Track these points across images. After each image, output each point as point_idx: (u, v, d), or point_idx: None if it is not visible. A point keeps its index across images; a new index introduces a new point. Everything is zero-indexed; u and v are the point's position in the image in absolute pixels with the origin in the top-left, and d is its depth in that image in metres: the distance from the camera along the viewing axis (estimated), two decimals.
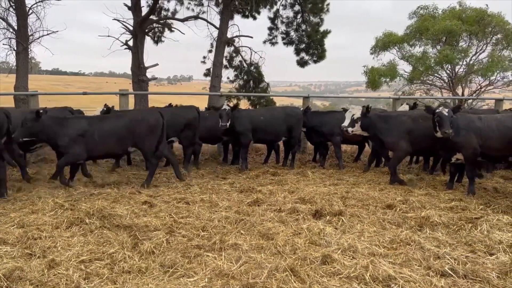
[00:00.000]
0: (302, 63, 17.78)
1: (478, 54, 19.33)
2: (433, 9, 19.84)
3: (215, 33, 15.82)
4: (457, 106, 7.10)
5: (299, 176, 8.28)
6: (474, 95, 19.71)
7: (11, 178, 7.99)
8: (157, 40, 17.43)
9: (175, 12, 17.04)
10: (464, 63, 19.29)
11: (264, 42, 17.68)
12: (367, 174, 8.59)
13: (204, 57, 17.59)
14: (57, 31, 14.12)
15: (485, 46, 19.24)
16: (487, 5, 18.46)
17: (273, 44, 17.75)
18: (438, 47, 19.20)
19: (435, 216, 5.28)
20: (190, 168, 8.83)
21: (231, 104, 9.61)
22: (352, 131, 7.79)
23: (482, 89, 19.87)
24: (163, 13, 17.11)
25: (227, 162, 10.18)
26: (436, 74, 20.18)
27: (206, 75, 17.06)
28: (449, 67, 19.46)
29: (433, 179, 7.97)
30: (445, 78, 20.20)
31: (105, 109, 9.52)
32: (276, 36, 17.72)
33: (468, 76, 19.51)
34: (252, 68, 17.20)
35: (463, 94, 19.39)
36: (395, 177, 7.55)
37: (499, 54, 18.55)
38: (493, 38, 19.05)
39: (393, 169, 7.57)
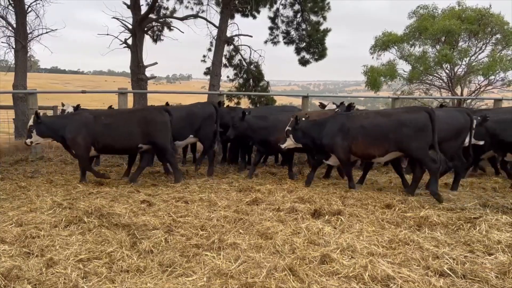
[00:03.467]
0: (303, 62, 17.83)
1: (477, 54, 19.35)
2: (433, 9, 19.83)
3: (215, 31, 15.80)
4: (348, 105, 7.41)
5: (298, 175, 8.27)
6: (473, 95, 19.73)
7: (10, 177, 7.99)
8: (156, 39, 17.42)
9: (174, 10, 17.04)
10: (464, 63, 19.29)
11: (266, 42, 17.72)
12: None
13: (204, 56, 17.60)
14: (56, 29, 14.14)
15: (484, 46, 19.25)
16: (490, 5, 18.46)
17: (274, 43, 17.81)
18: (438, 47, 19.19)
19: (434, 216, 5.29)
20: None
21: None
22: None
23: (481, 89, 19.88)
24: (163, 11, 17.10)
25: (226, 161, 10.17)
26: (435, 74, 20.18)
27: (206, 74, 17.05)
28: (448, 66, 19.46)
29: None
30: (444, 78, 20.20)
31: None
32: (277, 35, 17.78)
33: (468, 76, 19.52)
34: (251, 67, 17.21)
35: (462, 94, 19.40)
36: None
37: (500, 54, 18.55)
38: (493, 38, 19.06)
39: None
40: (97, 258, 4.10)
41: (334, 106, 10.05)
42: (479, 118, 7.33)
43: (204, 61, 17.56)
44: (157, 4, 15.80)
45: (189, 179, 7.85)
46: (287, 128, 7.16)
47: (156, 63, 15.80)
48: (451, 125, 6.85)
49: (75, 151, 7.40)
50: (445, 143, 6.77)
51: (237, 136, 8.27)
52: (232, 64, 17.68)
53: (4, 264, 3.84)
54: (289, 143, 7.22)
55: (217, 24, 15.57)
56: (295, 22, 17.50)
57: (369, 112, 7.58)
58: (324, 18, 17.08)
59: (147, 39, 15.85)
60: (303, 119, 7.30)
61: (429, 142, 6.41)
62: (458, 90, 19.69)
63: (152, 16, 15.76)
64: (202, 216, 5.43)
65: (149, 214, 5.53)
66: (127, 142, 7.41)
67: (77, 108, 9.37)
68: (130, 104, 12.37)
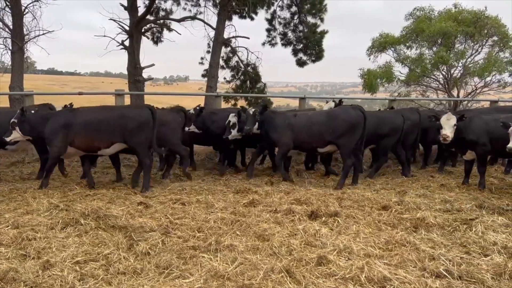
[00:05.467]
0: (300, 63, 17.88)
1: (474, 56, 19.42)
2: (429, 11, 19.89)
3: (212, 33, 15.83)
4: (264, 106, 7.99)
5: (294, 177, 8.28)
6: (469, 96, 19.80)
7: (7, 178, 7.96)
8: (156, 41, 17.41)
9: (171, 12, 17.04)
10: (460, 64, 19.36)
11: (263, 43, 17.75)
12: (362, 175, 8.60)
13: (202, 58, 17.58)
14: (53, 31, 14.06)
15: (480, 48, 19.32)
16: (485, 7, 18.55)
17: (272, 45, 17.85)
18: (434, 49, 19.26)
19: (430, 217, 5.31)
20: None
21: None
22: None
23: (478, 91, 19.95)
24: (160, 13, 17.10)
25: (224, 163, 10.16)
26: (432, 76, 20.24)
27: (204, 75, 17.05)
28: (445, 68, 19.52)
29: (429, 180, 8.00)
30: (440, 79, 20.26)
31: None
32: (275, 37, 17.80)
33: (464, 77, 19.59)
34: (249, 68, 17.24)
35: (458, 96, 19.48)
36: None
37: (496, 55, 18.63)
38: (489, 40, 19.14)
39: None
40: (93, 260, 4.10)
41: (333, 104, 10.10)
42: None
43: (201, 63, 17.58)
44: (154, 5, 15.79)
45: (186, 181, 7.84)
46: (13, 120, 7.06)
47: (153, 64, 15.79)
48: (346, 122, 7.44)
49: None
50: (342, 139, 7.42)
51: None
52: (229, 66, 17.70)
53: (0, 267, 3.83)
54: (16, 135, 7.10)
55: (214, 25, 15.59)
56: (292, 24, 17.55)
57: (94, 107, 7.87)
58: (322, 20, 17.15)
59: (144, 40, 15.85)
60: (32, 111, 7.30)
61: (150, 137, 7.00)
62: (454, 92, 19.75)
63: (149, 17, 15.76)
64: (199, 218, 5.43)
65: (146, 216, 5.53)
66: None
67: (70, 106, 9.43)
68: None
